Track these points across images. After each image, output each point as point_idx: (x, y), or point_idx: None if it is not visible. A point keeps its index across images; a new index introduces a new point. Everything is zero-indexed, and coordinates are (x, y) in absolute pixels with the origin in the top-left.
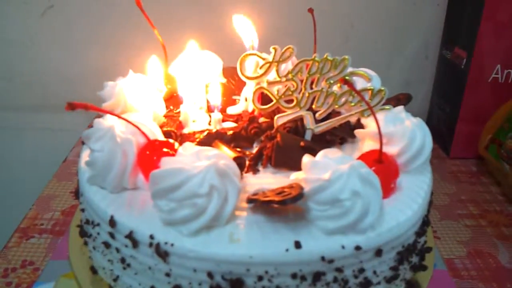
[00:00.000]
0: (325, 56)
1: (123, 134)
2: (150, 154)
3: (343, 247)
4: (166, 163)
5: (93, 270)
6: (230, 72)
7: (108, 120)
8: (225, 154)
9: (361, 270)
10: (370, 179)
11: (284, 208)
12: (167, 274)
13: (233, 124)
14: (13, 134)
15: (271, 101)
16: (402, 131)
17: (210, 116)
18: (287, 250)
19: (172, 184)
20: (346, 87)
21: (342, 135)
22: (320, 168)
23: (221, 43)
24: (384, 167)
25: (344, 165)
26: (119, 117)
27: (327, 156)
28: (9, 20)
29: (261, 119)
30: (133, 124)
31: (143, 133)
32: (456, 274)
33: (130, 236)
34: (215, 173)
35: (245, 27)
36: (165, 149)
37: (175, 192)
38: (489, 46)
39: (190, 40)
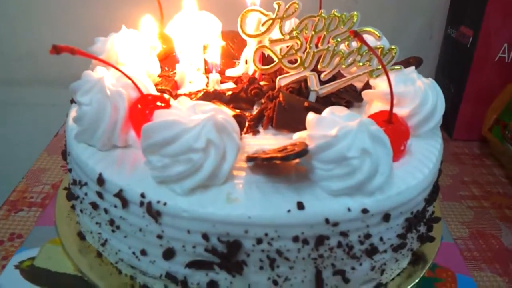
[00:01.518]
0: (332, 12)
1: (113, 86)
2: (142, 108)
3: (349, 209)
4: (160, 115)
5: (81, 236)
6: (229, 36)
7: (97, 72)
8: (223, 109)
9: (367, 236)
10: (381, 137)
11: (286, 166)
12: (159, 236)
13: (232, 86)
14: (4, 108)
15: (273, 63)
16: (413, 92)
17: (207, 77)
18: (288, 211)
19: (166, 138)
20: (354, 46)
21: (348, 98)
22: (326, 125)
23: (222, 1)
24: (394, 128)
25: (352, 121)
26: (110, 65)
27: (334, 113)
28: None
29: (262, 83)
30: (125, 75)
31: (136, 86)
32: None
33: (119, 195)
34: (213, 127)
35: None
36: (158, 103)
37: (169, 146)
38: (496, 25)
39: None
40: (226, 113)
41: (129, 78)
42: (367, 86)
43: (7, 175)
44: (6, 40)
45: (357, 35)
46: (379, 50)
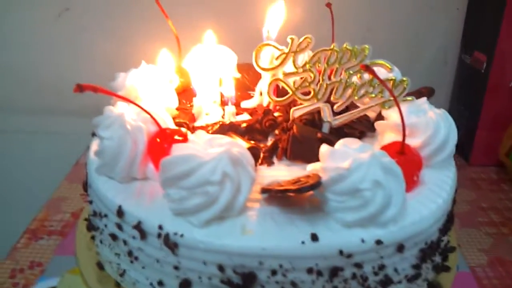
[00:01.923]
0: (344, 45)
1: (133, 121)
2: (161, 142)
3: (362, 240)
4: (178, 149)
5: (100, 266)
6: (244, 68)
7: (118, 108)
8: (238, 143)
9: (382, 267)
10: (393, 169)
11: (300, 198)
12: (176, 267)
13: (247, 117)
14: (26, 137)
15: (287, 94)
16: (425, 123)
17: (223, 109)
18: (303, 242)
19: (183, 171)
20: (366, 78)
21: (361, 128)
22: (339, 157)
23: (238, 35)
24: (406, 159)
25: (364, 153)
26: (130, 101)
27: (347, 145)
28: (23, 23)
29: (276, 114)
30: (144, 111)
31: (154, 120)
32: (477, 283)
33: (138, 226)
34: (228, 160)
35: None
36: (176, 137)
37: (186, 179)
38: (510, 49)
39: (208, 30)
40: (241, 146)
41: (148, 113)
42: (380, 116)
43: (28, 203)
44: (28, 70)
45: (368, 69)
46: (391, 82)
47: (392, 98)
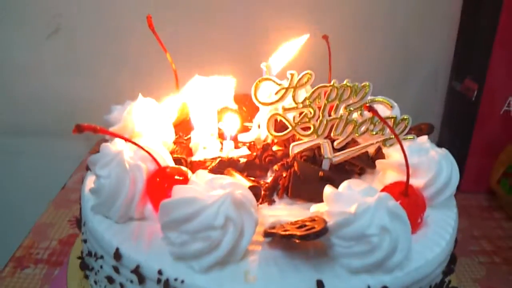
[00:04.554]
0: (344, 82)
1: (132, 159)
2: (161, 181)
3: (369, 287)
4: (178, 191)
5: None
6: (241, 99)
7: (116, 145)
8: (240, 183)
9: None
10: (399, 213)
11: (304, 243)
12: None
13: (246, 151)
14: (11, 158)
15: (285, 129)
16: (427, 162)
17: (221, 143)
18: None
19: (185, 215)
20: (367, 115)
21: (361, 165)
22: (344, 201)
23: (238, 66)
24: (411, 201)
25: (370, 197)
26: (129, 140)
27: (351, 187)
28: (14, 43)
29: (274, 147)
30: (143, 149)
31: (153, 158)
32: None
33: (136, 270)
34: (231, 204)
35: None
36: (177, 177)
37: (188, 223)
38: (501, 78)
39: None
40: (243, 187)
41: (147, 152)
42: (379, 151)
43: (13, 229)
44: (17, 91)
45: (371, 110)
46: (392, 120)
47: (393, 136)
